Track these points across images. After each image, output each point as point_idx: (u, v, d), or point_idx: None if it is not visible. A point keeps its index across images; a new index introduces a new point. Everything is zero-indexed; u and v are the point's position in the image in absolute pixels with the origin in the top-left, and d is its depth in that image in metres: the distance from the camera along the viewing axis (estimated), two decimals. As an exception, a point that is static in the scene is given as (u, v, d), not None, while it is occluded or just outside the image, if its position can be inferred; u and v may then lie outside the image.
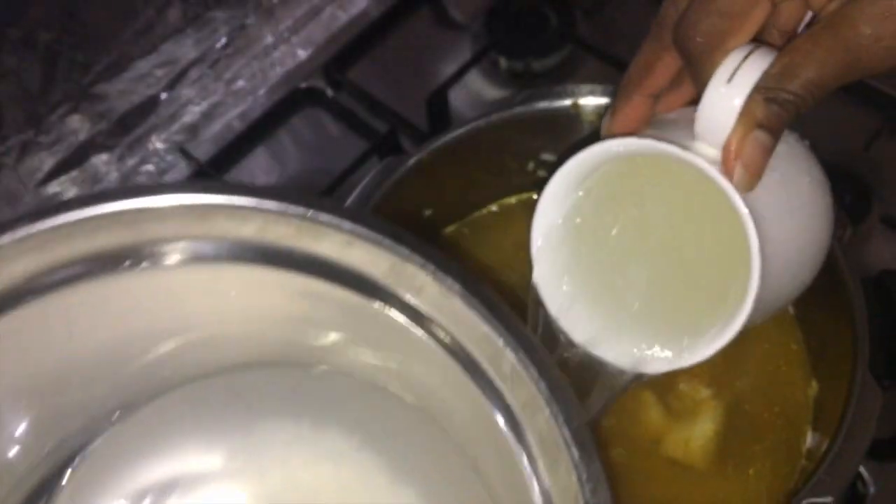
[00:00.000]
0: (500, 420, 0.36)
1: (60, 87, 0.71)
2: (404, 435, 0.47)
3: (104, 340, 0.43)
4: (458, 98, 0.77)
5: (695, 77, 0.42)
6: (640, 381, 0.46)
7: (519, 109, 0.60)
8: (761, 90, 0.38)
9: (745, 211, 0.39)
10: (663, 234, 0.47)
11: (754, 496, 0.53)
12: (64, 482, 0.46)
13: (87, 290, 0.40)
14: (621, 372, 0.46)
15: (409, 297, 0.38)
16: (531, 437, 0.35)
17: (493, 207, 0.66)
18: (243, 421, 0.48)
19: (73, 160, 0.74)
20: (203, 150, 0.78)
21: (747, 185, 0.39)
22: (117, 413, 0.47)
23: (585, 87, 0.59)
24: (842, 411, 0.49)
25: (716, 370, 0.56)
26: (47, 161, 0.73)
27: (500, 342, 0.36)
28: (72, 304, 0.40)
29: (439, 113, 0.75)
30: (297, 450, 0.48)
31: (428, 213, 0.63)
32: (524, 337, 0.36)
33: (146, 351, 0.45)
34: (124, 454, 0.47)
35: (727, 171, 0.39)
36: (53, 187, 0.74)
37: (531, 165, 0.63)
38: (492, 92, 0.79)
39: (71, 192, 0.75)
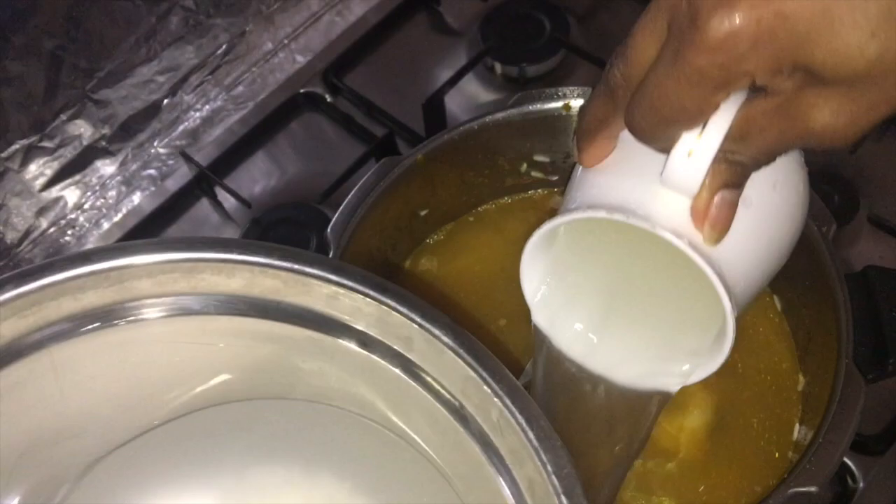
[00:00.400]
0: (491, 467, 0.36)
1: (64, 92, 0.72)
2: (397, 478, 0.46)
3: (95, 394, 0.43)
4: (454, 102, 0.78)
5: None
6: (667, 400, 0.48)
7: (512, 111, 0.61)
8: (725, 153, 0.38)
9: (714, 278, 0.40)
10: (645, 267, 0.48)
11: (743, 487, 0.54)
12: None
13: (76, 346, 0.40)
14: (640, 393, 0.47)
15: (398, 347, 0.38)
16: (522, 485, 0.35)
17: (488, 206, 0.67)
18: (236, 463, 0.48)
19: (77, 165, 0.76)
20: (204, 154, 0.79)
21: (716, 241, 0.40)
22: (106, 455, 0.46)
23: (577, 90, 0.60)
24: (826, 403, 0.50)
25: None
26: (51, 166, 0.74)
27: (488, 390, 0.36)
28: (60, 361, 0.40)
29: (436, 117, 0.77)
30: (289, 494, 0.48)
31: (423, 212, 0.64)
32: (512, 386, 0.36)
33: (136, 401, 0.45)
34: (112, 495, 0.47)
35: (697, 226, 0.40)
36: (57, 192, 0.75)
37: (524, 166, 0.64)
38: (487, 96, 0.80)
39: (74, 197, 0.77)
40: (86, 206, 0.78)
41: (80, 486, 0.46)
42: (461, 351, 0.37)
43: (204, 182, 0.78)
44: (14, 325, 0.39)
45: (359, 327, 0.39)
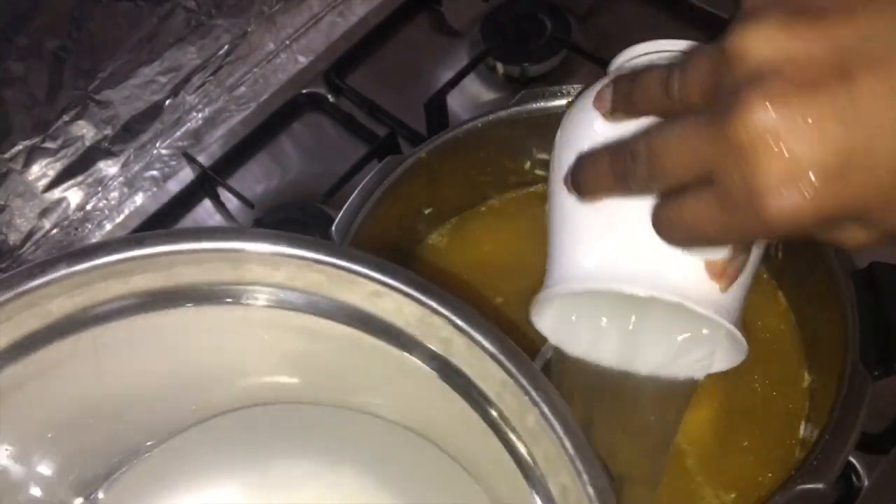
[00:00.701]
0: (523, 475, 0.36)
1: (66, 93, 0.72)
2: (423, 478, 0.47)
3: (132, 379, 0.44)
4: (455, 102, 0.78)
5: None
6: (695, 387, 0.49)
7: (515, 109, 0.62)
8: None
9: (728, 325, 0.43)
10: None
11: (749, 481, 0.54)
12: None
13: (119, 328, 0.41)
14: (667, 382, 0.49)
15: (437, 349, 0.38)
16: (555, 493, 0.35)
17: (492, 204, 0.67)
18: (260, 457, 0.49)
19: (79, 166, 0.75)
20: (206, 154, 0.79)
21: (728, 287, 0.43)
22: (138, 448, 0.47)
23: (579, 87, 0.60)
24: (833, 400, 0.50)
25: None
26: (53, 167, 0.74)
27: (526, 398, 0.36)
28: (103, 342, 0.41)
29: (438, 117, 0.76)
30: (312, 488, 0.48)
31: (427, 210, 0.64)
32: (550, 393, 0.36)
33: (172, 388, 0.45)
34: (142, 488, 0.48)
35: (714, 280, 0.43)
36: (59, 193, 0.75)
37: (528, 164, 0.64)
38: (489, 96, 0.80)
39: (77, 198, 0.76)
40: (88, 207, 0.78)
41: (109, 482, 0.47)
42: (501, 356, 0.37)
43: (206, 183, 0.78)
44: (62, 304, 0.39)
45: (399, 326, 0.39)
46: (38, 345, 0.40)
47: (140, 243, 0.39)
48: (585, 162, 0.43)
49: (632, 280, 0.42)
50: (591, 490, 0.34)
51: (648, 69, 0.41)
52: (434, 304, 0.38)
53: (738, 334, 0.44)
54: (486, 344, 0.37)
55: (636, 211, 0.41)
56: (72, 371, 0.42)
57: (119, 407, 0.45)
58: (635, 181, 0.39)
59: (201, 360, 0.45)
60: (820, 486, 0.48)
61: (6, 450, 0.42)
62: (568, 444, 0.35)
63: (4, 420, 0.41)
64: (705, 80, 0.36)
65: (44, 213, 0.75)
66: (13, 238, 0.74)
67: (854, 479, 0.60)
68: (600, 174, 0.42)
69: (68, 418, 0.43)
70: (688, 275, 0.42)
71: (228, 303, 0.41)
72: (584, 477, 0.34)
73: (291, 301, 0.40)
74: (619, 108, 0.43)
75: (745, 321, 0.45)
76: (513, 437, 0.37)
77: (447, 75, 0.78)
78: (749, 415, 0.56)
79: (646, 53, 0.47)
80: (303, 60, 0.84)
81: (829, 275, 0.53)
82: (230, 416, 0.48)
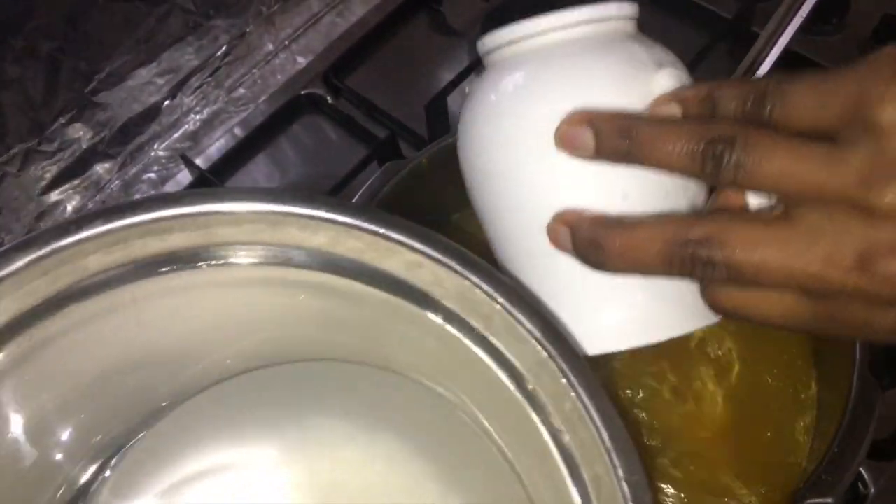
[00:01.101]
0: (559, 458, 0.36)
1: (63, 95, 0.72)
2: (459, 448, 0.46)
3: (171, 332, 0.44)
4: (456, 103, 0.77)
5: None
6: None
7: (518, 114, 0.60)
8: None
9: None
10: None
11: (755, 494, 0.53)
12: (112, 468, 0.47)
13: (158, 284, 0.41)
14: None
15: (476, 324, 0.37)
16: (589, 483, 0.34)
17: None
18: (297, 416, 0.48)
19: (76, 168, 0.75)
20: (205, 157, 0.78)
21: None
22: (171, 403, 0.48)
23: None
24: (842, 411, 0.50)
25: (718, 368, 0.56)
26: (50, 169, 0.73)
27: (564, 382, 0.35)
28: (142, 296, 0.41)
29: (438, 118, 0.76)
30: (349, 450, 0.48)
31: (429, 217, 0.63)
32: (590, 381, 0.35)
33: (212, 346, 0.46)
34: (176, 442, 0.48)
35: None
36: (56, 195, 0.75)
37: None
38: (491, 97, 0.80)
39: (74, 201, 0.76)
40: (85, 210, 0.77)
41: (144, 434, 0.47)
42: (542, 338, 0.36)
43: (204, 185, 0.77)
44: (100, 260, 0.39)
45: (438, 298, 0.38)
46: (75, 299, 0.40)
47: (178, 201, 0.39)
48: (613, 232, 0.37)
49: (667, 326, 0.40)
50: (625, 486, 0.33)
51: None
52: (476, 279, 0.37)
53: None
54: (528, 324, 0.36)
55: None
56: (112, 325, 0.42)
57: (159, 360, 0.45)
58: (707, 276, 0.35)
59: (239, 315, 0.45)
60: (829, 500, 0.48)
61: (41, 407, 0.43)
62: (605, 435, 0.34)
63: (40, 375, 0.41)
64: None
65: (41, 216, 0.74)
66: (10, 241, 0.73)
67: (860, 486, 0.59)
68: (643, 252, 0.36)
69: (106, 371, 0.44)
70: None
71: (267, 263, 0.40)
72: (620, 472, 0.33)
73: (330, 265, 0.40)
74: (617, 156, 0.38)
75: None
76: (551, 421, 0.36)
77: (447, 76, 0.77)
78: (756, 423, 0.55)
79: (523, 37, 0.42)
80: (302, 61, 0.83)
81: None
82: (268, 370, 0.48)
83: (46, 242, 0.38)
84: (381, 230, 0.38)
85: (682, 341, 0.53)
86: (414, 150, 0.75)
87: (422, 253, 0.38)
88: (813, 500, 0.48)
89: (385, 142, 0.76)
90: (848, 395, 0.50)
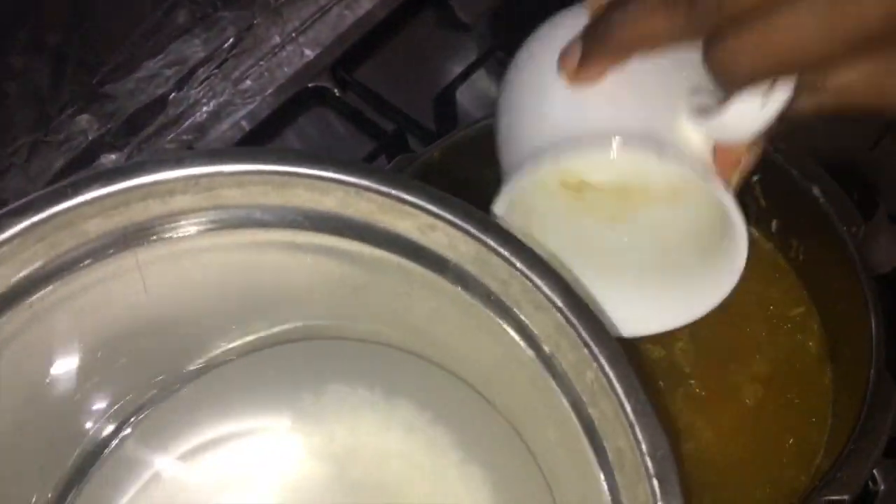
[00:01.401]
0: (581, 430, 0.34)
1: (69, 87, 0.71)
2: (478, 421, 0.45)
3: (180, 297, 0.43)
4: (465, 97, 0.77)
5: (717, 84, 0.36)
6: None
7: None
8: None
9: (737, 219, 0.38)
10: (628, 210, 0.46)
11: (769, 494, 0.53)
12: (127, 433, 0.47)
13: (162, 248, 0.40)
14: None
15: (494, 288, 0.36)
16: (611, 456, 0.33)
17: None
18: (316, 380, 0.47)
19: (82, 160, 0.74)
20: (211, 149, 0.78)
21: (733, 186, 0.38)
22: (182, 372, 0.47)
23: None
24: (857, 410, 0.49)
25: (732, 367, 0.56)
26: (56, 161, 0.73)
27: (586, 352, 0.34)
28: (146, 261, 0.40)
29: (446, 112, 0.75)
30: (367, 416, 0.47)
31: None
32: (614, 352, 0.34)
33: (217, 310, 0.45)
34: (191, 410, 0.47)
35: (726, 169, 0.38)
36: (62, 187, 0.74)
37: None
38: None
39: (80, 193, 0.75)
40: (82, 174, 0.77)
41: (158, 404, 0.47)
42: (563, 306, 0.34)
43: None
44: (100, 224, 0.38)
45: (454, 262, 0.37)
46: (77, 264, 0.39)
47: (179, 163, 0.38)
48: (606, 16, 0.37)
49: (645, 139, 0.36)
50: (649, 462, 0.32)
51: None
52: (493, 244, 0.36)
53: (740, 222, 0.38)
54: (549, 292, 0.35)
55: (648, 81, 0.37)
56: (118, 290, 0.41)
57: (168, 324, 0.44)
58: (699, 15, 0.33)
59: (247, 282, 0.44)
60: (845, 497, 0.47)
61: (53, 372, 0.42)
62: (628, 408, 0.33)
63: (50, 340, 0.41)
64: None
65: (46, 208, 0.74)
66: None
67: (870, 483, 0.59)
68: (641, 28, 0.35)
69: (116, 336, 0.43)
70: (693, 159, 0.37)
71: (273, 226, 0.39)
72: (644, 446, 0.32)
73: (340, 227, 0.38)
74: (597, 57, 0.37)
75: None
76: (572, 391, 0.34)
77: (456, 70, 0.77)
78: (771, 422, 0.55)
79: None
80: (309, 54, 0.82)
81: (853, 281, 0.53)
82: (277, 348, 0.47)
83: (41, 208, 0.37)
84: (393, 191, 0.37)
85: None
86: (421, 144, 0.75)
87: (436, 215, 0.37)
88: (829, 498, 0.47)
89: (393, 136, 0.75)
90: (864, 393, 0.49)
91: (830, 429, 0.54)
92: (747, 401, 0.55)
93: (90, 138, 0.74)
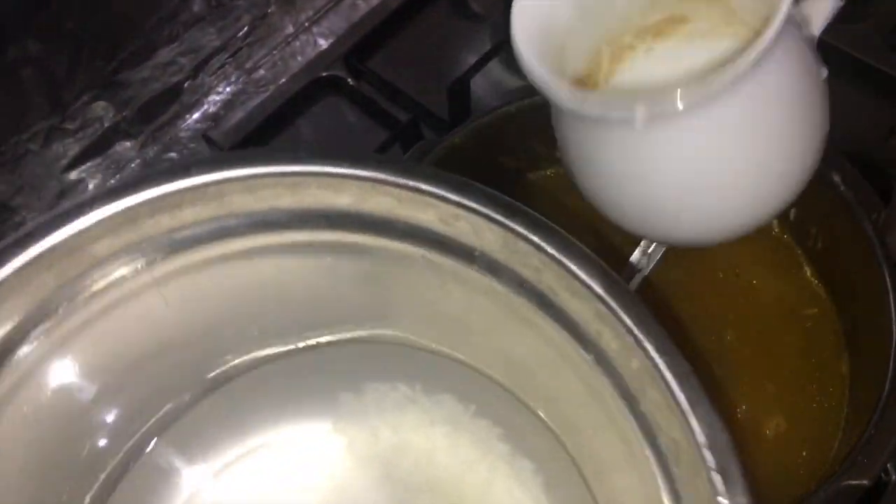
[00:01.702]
0: (632, 422, 0.33)
1: (85, 74, 0.71)
2: (520, 416, 0.43)
3: (202, 308, 0.42)
4: (479, 87, 0.77)
5: None
6: None
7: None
8: None
9: None
10: None
11: (790, 477, 0.53)
12: (161, 449, 0.46)
13: (176, 261, 0.39)
14: None
15: (526, 275, 0.34)
16: (666, 449, 0.31)
17: (522, 183, 0.66)
18: (355, 378, 0.46)
19: (98, 147, 0.74)
20: (225, 137, 0.78)
21: None
22: (215, 379, 0.46)
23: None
24: (876, 396, 0.50)
25: (746, 364, 0.56)
26: (72, 148, 0.73)
27: (630, 339, 0.32)
28: (162, 275, 0.39)
29: (460, 102, 0.75)
30: (410, 412, 0.46)
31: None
32: (659, 337, 0.32)
33: (241, 317, 0.43)
34: (226, 420, 0.46)
35: None
36: (77, 174, 0.74)
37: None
38: (513, 82, 0.79)
39: (95, 180, 0.75)
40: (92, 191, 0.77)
41: (191, 416, 0.45)
42: (602, 293, 0.32)
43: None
44: (109, 244, 0.37)
45: (480, 250, 0.35)
46: (88, 289, 0.38)
47: (186, 172, 0.36)
48: None
49: None
50: (707, 454, 0.30)
51: None
52: (521, 230, 0.34)
53: None
54: (583, 276, 0.33)
55: None
56: (137, 307, 0.40)
57: (192, 335, 0.43)
58: None
59: (269, 286, 0.42)
60: (865, 482, 0.47)
61: (80, 389, 0.41)
62: (681, 398, 0.30)
63: (77, 359, 0.40)
64: None
65: (62, 193, 0.74)
66: (31, 219, 0.73)
67: (882, 474, 0.59)
68: None
69: (143, 353, 0.42)
70: None
71: (290, 228, 0.38)
72: (699, 437, 0.30)
73: (360, 224, 0.37)
74: None
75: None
76: (619, 379, 0.33)
77: (470, 59, 0.77)
78: (787, 406, 0.55)
79: None
80: (322, 43, 0.83)
81: (872, 269, 0.53)
82: (310, 352, 0.46)
83: (45, 234, 0.36)
84: (411, 182, 0.35)
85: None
86: (435, 133, 0.75)
87: (458, 204, 0.35)
88: (849, 482, 0.47)
89: (406, 125, 0.75)
90: (883, 379, 0.49)
91: (850, 416, 0.54)
92: (767, 388, 0.55)
93: (105, 125, 0.74)
